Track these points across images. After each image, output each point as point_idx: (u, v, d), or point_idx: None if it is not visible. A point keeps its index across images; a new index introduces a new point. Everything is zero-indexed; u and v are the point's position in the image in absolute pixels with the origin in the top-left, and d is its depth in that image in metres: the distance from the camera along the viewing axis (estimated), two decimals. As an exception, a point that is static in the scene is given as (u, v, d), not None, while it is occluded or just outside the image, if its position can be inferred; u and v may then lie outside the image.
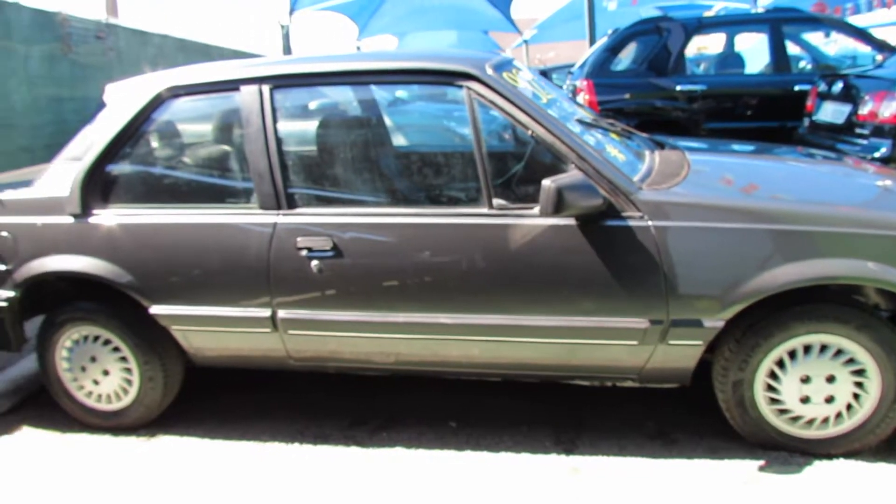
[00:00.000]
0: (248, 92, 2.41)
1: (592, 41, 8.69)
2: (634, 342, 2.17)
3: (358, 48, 14.83)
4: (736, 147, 3.29)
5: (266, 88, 2.40)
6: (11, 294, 2.53)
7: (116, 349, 2.55)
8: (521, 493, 2.15)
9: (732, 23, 7.15)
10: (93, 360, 2.58)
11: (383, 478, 2.27)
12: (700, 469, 2.21)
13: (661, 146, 2.82)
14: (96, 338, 2.56)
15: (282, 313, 2.35)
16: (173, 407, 2.69)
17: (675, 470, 2.22)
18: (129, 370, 2.56)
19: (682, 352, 2.18)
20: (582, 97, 6.22)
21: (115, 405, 2.61)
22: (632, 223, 2.12)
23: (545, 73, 15.50)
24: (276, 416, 2.70)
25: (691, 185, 2.27)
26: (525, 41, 17.97)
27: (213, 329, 2.46)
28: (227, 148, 2.65)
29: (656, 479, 2.18)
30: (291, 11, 10.27)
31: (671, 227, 2.11)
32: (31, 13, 5.92)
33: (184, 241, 2.39)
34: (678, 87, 6.00)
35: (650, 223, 2.11)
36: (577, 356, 2.28)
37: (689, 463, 2.25)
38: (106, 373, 2.58)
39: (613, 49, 6.50)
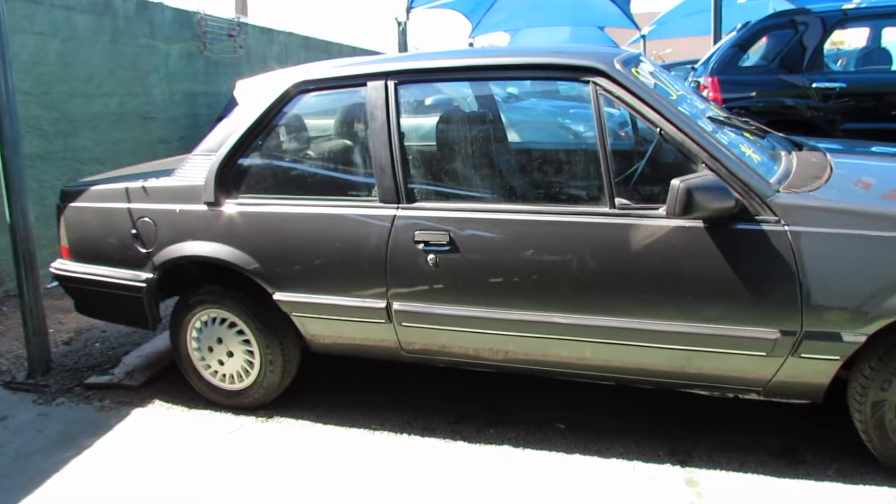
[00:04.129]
0: (375, 87, 2.47)
1: (717, 36, 8.27)
2: (762, 353, 2.05)
3: (471, 44, 14.92)
4: (876, 149, 3.03)
5: (392, 84, 2.45)
6: (150, 276, 2.73)
7: (241, 332, 2.69)
8: (634, 499, 2.08)
9: (880, 15, 6.57)
10: (219, 341, 2.74)
11: (488, 474, 2.27)
12: (830, 493, 2.06)
13: (800, 147, 2.64)
14: (223, 320, 2.72)
15: (396, 305, 2.40)
16: (289, 391, 2.81)
17: (801, 492, 2.08)
18: (251, 353, 2.70)
19: (816, 366, 2.03)
20: (706, 95, 5.94)
21: (238, 385, 2.76)
22: (766, 227, 2.00)
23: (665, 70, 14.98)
24: (386, 407, 2.76)
25: (834, 190, 2.10)
26: (643, 36, 17.39)
27: (331, 317, 2.54)
28: (350, 142, 2.73)
29: (779, 497, 2.05)
30: (409, 9, 10.43)
31: (810, 232, 1.96)
32: (173, 13, 6.36)
33: (307, 231, 2.49)
34: (814, 85, 5.59)
35: (786, 228, 1.98)
36: (699, 365, 2.18)
37: (818, 485, 2.10)
38: (230, 354, 2.73)
39: (742, 44, 6.14)
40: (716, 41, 7.69)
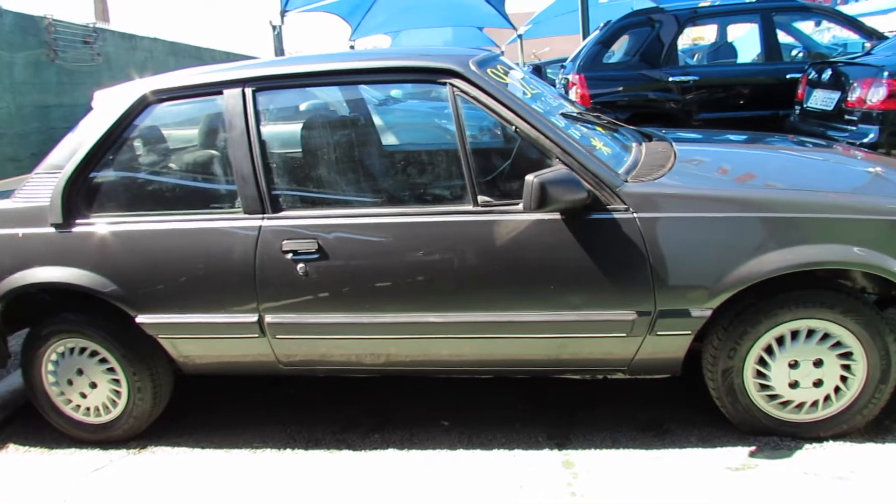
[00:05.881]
0: (231, 95, 2.40)
1: (586, 35, 8.66)
2: (623, 334, 2.17)
3: (352, 47, 14.83)
4: (730, 137, 3.28)
5: (249, 91, 2.39)
6: (-7, 307, 2.50)
7: (103, 360, 2.53)
8: (515, 489, 2.14)
9: (725, 13, 7.12)
10: (79, 372, 2.56)
11: (375, 481, 2.26)
12: (692, 458, 2.21)
13: (649, 138, 2.81)
14: (82, 350, 2.54)
15: (269, 318, 2.34)
16: (163, 417, 2.68)
17: (667, 459, 2.21)
18: (117, 381, 2.54)
19: (671, 342, 2.18)
20: (574, 91, 6.20)
21: (104, 418, 2.59)
22: (617, 216, 2.11)
23: (539, 68, 15.51)
24: (268, 422, 2.69)
25: (676, 176, 2.25)
26: (520, 36, 17.93)
27: (201, 336, 2.44)
28: (210, 152, 2.64)
29: (649, 469, 2.17)
30: (283, 12, 10.23)
31: (656, 218, 2.10)
32: (15, 17, 5.83)
33: (168, 248, 2.38)
34: (671, 79, 5.98)
35: (635, 215, 2.10)
36: (567, 350, 2.27)
37: (682, 452, 2.25)
38: (93, 385, 2.56)
39: (605, 42, 6.48)
40: (584, 39, 8.05)
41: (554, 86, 8.22)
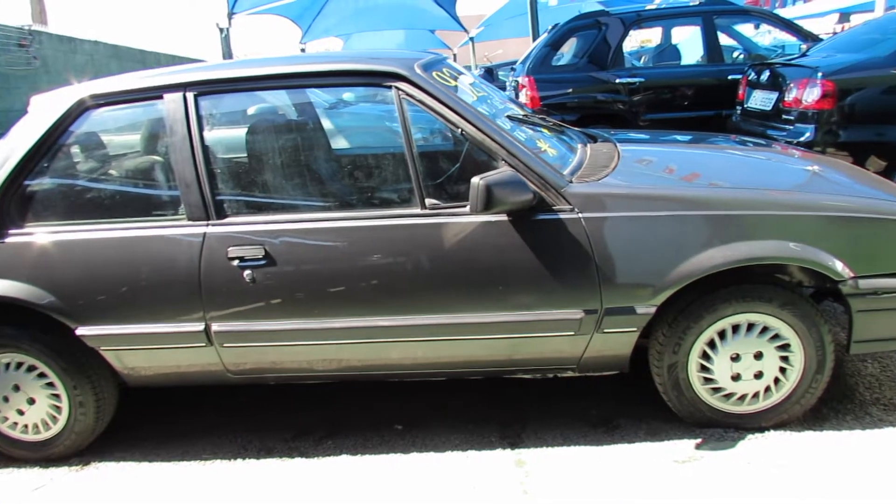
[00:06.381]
0: (172, 99, 2.35)
1: (535, 37, 8.77)
2: (571, 333, 2.20)
3: (302, 50, 14.68)
4: (676, 137, 3.36)
5: (190, 95, 2.34)
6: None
7: (42, 375, 2.44)
8: (468, 489, 2.15)
9: (668, 16, 7.31)
10: (16, 388, 2.45)
11: (329, 488, 2.24)
12: (641, 452, 2.25)
13: (594, 139, 2.86)
14: (19, 365, 2.44)
15: (216, 326, 2.30)
16: (110, 431, 2.60)
17: (616, 454, 2.25)
18: (56, 396, 2.45)
19: (618, 339, 2.22)
20: (524, 93, 6.27)
21: (44, 435, 2.50)
22: (563, 216, 2.14)
23: (491, 71, 15.64)
24: (218, 433, 2.64)
25: (620, 176, 2.30)
26: (471, 39, 18.04)
27: (146, 347, 2.38)
28: (152, 158, 2.57)
29: (599, 464, 2.21)
30: (230, 14, 10.06)
31: (600, 217, 2.13)
32: (-61, 19, 5.64)
33: (109, 257, 2.31)
34: (618, 80, 6.09)
35: (580, 215, 2.14)
36: (518, 350, 2.29)
37: (630, 447, 2.29)
38: (31, 401, 2.46)
39: (554, 44, 6.57)
40: (534, 42, 8.15)
41: (505, 88, 8.31)
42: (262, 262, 2.24)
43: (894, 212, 2.16)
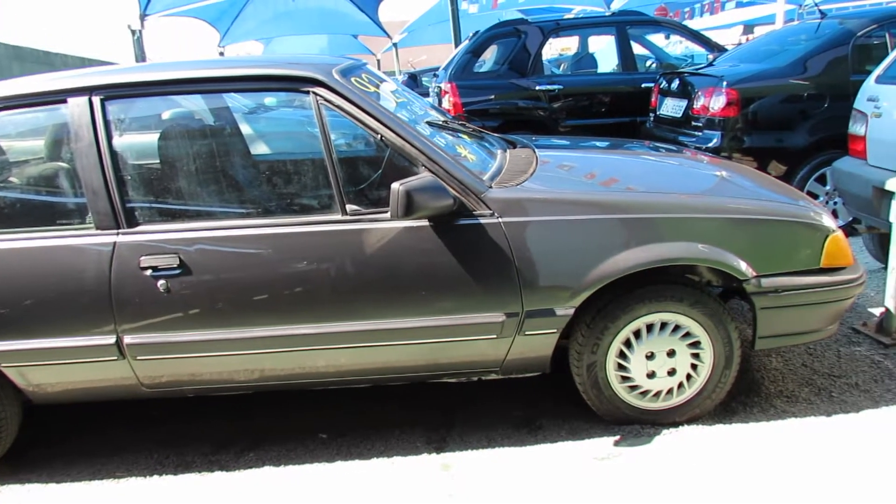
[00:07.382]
0: (77, 104, 2.24)
1: (457, 44, 8.86)
2: (493, 336, 2.23)
3: (221, 54, 14.28)
4: (594, 143, 3.47)
5: (97, 99, 2.25)
6: None
7: (-64, 395, 2.28)
8: (394, 495, 2.14)
9: (584, 25, 7.56)
10: None
11: (250, 501, 2.18)
12: (562, 451, 2.31)
13: (514, 145, 2.91)
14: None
15: (128, 339, 2.21)
16: (14, 452, 2.45)
17: (539, 454, 2.30)
18: (-47, 416, 2.30)
19: (539, 341, 2.27)
20: (447, 99, 6.32)
21: (-60, 457, 2.34)
22: (483, 221, 2.18)
23: (415, 77, 15.68)
24: (133, 449, 2.53)
25: (538, 181, 2.35)
26: (395, 45, 18.05)
27: (53, 363, 2.26)
28: (57, 164, 2.44)
29: (522, 464, 2.25)
30: (143, 16, 9.69)
31: (519, 222, 2.18)
32: None
33: (9, 268, 2.19)
34: (538, 87, 6.24)
35: (500, 220, 2.17)
36: (442, 355, 2.31)
37: (553, 447, 2.34)
38: (-75, 422, 2.31)
39: (475, 51, 6.66)
40: (456, 48, 8.23)
41: (428, 94, 8.35)
42: (177, 272, 2.17)
43: (792, 214, 2.30)
